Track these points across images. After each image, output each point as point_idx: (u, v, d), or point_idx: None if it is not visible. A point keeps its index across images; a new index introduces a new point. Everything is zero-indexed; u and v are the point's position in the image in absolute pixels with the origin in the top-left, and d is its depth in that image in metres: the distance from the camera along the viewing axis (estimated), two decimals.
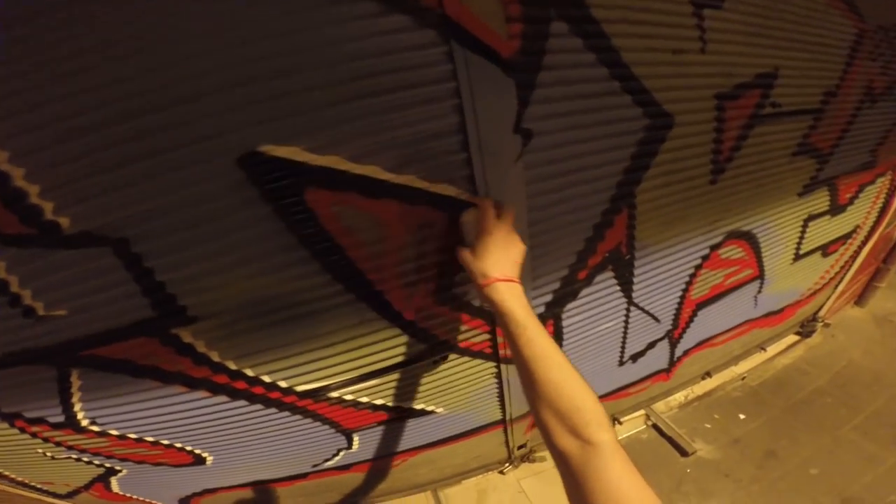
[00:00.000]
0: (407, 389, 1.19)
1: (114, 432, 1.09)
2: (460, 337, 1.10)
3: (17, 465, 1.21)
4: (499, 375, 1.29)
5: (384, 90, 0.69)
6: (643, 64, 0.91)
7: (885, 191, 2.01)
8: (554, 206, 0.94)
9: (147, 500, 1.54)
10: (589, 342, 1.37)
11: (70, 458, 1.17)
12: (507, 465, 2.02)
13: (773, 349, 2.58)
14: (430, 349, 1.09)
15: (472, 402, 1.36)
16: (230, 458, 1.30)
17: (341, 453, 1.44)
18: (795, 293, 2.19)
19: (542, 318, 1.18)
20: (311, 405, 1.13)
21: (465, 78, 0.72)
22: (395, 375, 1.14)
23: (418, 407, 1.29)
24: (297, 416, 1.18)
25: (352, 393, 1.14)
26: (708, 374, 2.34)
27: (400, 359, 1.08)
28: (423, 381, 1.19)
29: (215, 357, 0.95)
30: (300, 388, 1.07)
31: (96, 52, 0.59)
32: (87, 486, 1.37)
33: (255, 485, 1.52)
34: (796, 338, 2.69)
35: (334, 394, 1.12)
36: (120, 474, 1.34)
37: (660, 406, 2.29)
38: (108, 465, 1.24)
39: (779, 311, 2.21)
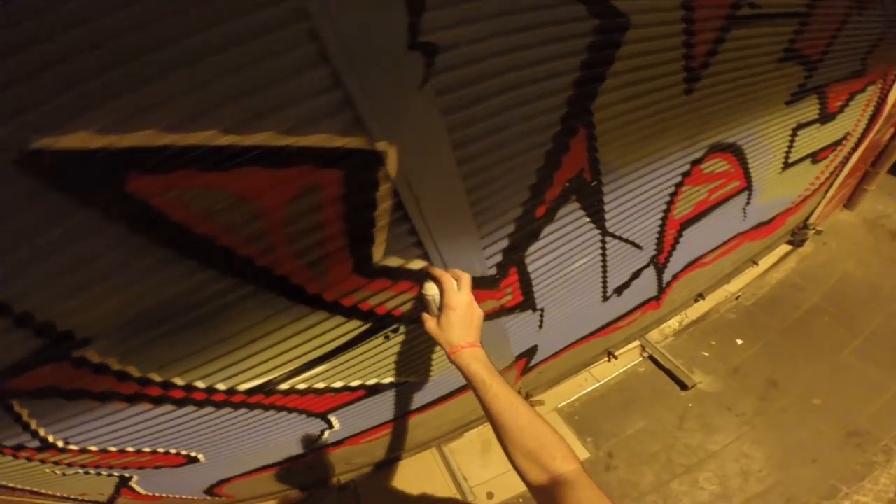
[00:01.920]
0: (364, 368, 1.03)
1: (93, 448, 0.96)
2: (407, 307, 0.91)
3: (43, 484, 1.14)
4: None
5: (199, 26, 0.44)
6: None
7: (875, 98, 1.75)
8: (488, 135, 0.71)
9: (177, 495, 1.45)
10: (564, 283, 1.19)
11: (78, 473, 1.05)
12: None
13: (764, 262, 2.40)
14: (374, 326, 0.90)
15: (446, 366, 1.20)
16: (220, 453, 1.18)
17: (326, 433, 1.31)
18: (786, 201, 1.97)
19: (501, 267, 0.97)
20: (264, 400, 0.99)
21: None
22: (346, 356, 0.96)
23: (387, 381, 1.13)
24: (257, 411, 1.04)
25: (303, 382, 0.97)
26: (701, 297, 2.18)
27: (341, 341, 0.90)
28: (380, 357, 1.02)
29: (135, 372, 0.80)
30: (242, 388, 0.90)
31: None
32: (117, 491, 1.28)
33: (263, 470, 1.41)
34: (788, 248, 2.50)
35: (283, 386, 0.95)
36: (133, 480, 1.23)
37: (654, 335, 2.15)
38: (115, 473, 1.13)
39: (769, 221, 2.01)
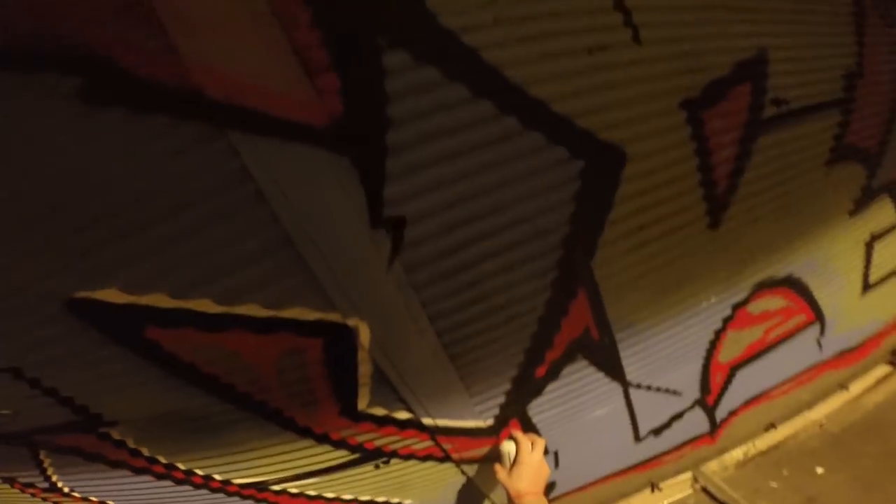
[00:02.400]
0: (356, 486, 0.99)
1: (94, 499, 1.06)
2: (395, 446, 0.85)
3: None
4: (463, 472, 1.00)
5: (169, 213, 0.49)
6: (545, 80, 0.59)
7: None
8: (469, 306, 0.67)
9: None
10: (580, 430, 1.04)
11: None
12: None
13: (857, 386, 1.95)
14: (362, 457, 0.85)
15: (447, 493, 1.08)
16: None
17: None
18: (876, 324, 1.61)
19: (500, 419, 0.88)
20: (257, 494, 0.96)
21: (264, 173, 0.50)
22: (338, 475, 0.91)
23: (379, 500, 1.05)
24: (250, 502, 0.99)
25: (295, 487, 0.94)
26: (772, 426, 1.80)
27: (330, 464, 0.86)
28: (373, 479, 0.96)
29: (146, 452, 0.88)
30: (237, 482, 0.90)
31: None
32: None
33: None
34: (889, 369, 2.02)
35: (276, 487, 0.92)
36: None
37: (712, 466, 1.79)
38: None
39: (856, 348, 1.64)
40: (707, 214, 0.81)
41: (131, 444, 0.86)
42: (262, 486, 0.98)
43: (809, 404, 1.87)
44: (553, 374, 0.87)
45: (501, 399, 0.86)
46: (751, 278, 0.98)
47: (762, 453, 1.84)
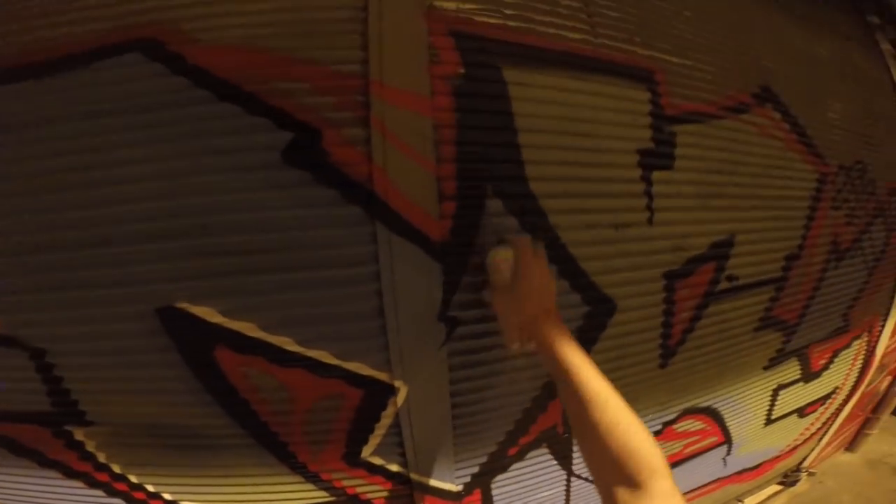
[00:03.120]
0: None
1: None
2: (374, 495, 1.03)
3: None
4: None
5: (303, 265, 0.71)
6: (582, 244, 0.88)
7: (862, 352, 1.90)
8: (479, 391, 0.91)
9: None
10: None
11: None
12: None
13: (749, 501, 2.35)
14: (339, 501, 1.01)
15: None
16: None
17: None
18: (773, 450, 2.02)
19: (468, 486, 1.09)
20: None
21: (387, 261, 0.73)
22: None
23: None
24: None
25: None
26: None
27: (304, 502, 1.00)
28: None
29: (102, 458, 0.94)
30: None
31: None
32: None
33: None
34: (778, 488, 2.45)
35: None
36: None
37: None
38: None
39: (754, 468, 2.03)
40: (660, 357, 1.12)
41: (90, 447, 0.92)
42: None
43: None
44: (521, 455, 1.11)
45: (476, 469, 1.08)
46: (681, 405, 1.30)
47: None
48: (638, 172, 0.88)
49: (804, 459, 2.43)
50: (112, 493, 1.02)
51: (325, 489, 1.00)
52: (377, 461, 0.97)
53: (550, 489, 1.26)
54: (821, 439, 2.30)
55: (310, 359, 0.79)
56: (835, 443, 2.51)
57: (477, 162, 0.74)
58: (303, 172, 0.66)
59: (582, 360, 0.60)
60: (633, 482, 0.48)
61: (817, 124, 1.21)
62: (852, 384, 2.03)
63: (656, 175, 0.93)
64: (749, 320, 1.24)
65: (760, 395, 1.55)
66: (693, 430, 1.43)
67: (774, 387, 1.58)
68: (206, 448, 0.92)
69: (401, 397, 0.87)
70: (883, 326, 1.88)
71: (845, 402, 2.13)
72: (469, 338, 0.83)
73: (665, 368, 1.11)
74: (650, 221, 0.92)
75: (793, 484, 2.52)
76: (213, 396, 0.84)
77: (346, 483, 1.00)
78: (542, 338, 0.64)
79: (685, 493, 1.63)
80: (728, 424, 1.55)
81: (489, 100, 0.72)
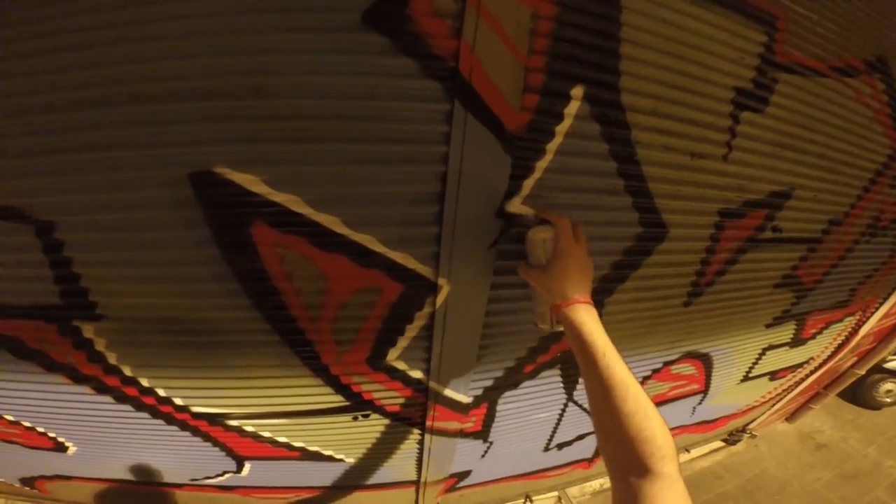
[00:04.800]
0: (317, 435, 1.20)
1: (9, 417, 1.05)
2: (388, 401, 1.10)
3: None
4: (421, 442, 1.30)
5: (366, 137, 0.68)
6: (655, 164, 0.90)
7: (849, 329, 2.17)
8: (515, 300, 0.95)
9: None
10: (519, 428, 1.42)
11: None
12: None
13: (695, 452, 2.78)
14: (352, 405, 1.08)
15: (388, 460, 1.37)
16: (97, 454, 1.25)
17: (227, 475, 1.41)
18: (733, 408, 2.35)
19: (478, 399, 1.19)
20: (204, 426, 1.11)
21: (458, 144, 0.71)
22: (309, 420, 1.12)
23: (326, 453, 1.29)
24: (187, 433, 1.16)
25: (253, 425, 1.11)
26: None
27: (316, 407, 1.07)
28: (338, 431, 1.19)
29: (112, 359, 0.94)
30: (196, 409, 1.04)
31: (64, 34, 0.59)
32: None
33: (117, 483, 1.45)
34: (721, 444, 2.90)
35: (233, 422, 1.09)
36: None
37: (574, 490, 2.41)
38: None
39: (712, 421, 2.38)
40: (687, 295, 1.23)
41: (100, 346, 0.91)
42: (216, 419, 1.11)
43: None
44: (535, 373, 1.22)
45: (490, 383, 1.17)
46: (686, 347, 1.46)
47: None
48: (729, 109, 0.88)
49: (751, 422, 2.84)
50: (122, 398, 1.03)
51: (344, 394, 1.05)
52: (400, 366, 1.02)
53: (549, 411, 1.41)
54: (773, 405, 2.68)
55: (355, 244, 0.78)
56: (782, 411, 2.95)
57: (570, 61, 0.71)
58: (382, 38, 0.60)
59: (608, 347, 0.65)
60: (644, 466, 0.54)
61: None
62: (826, 357, 2.34)
63: (745, 115, 0.95)
64: (774, 275, 1.35)
65: (752, 350, 1.76)
66: (685, 373, 1.63)
67: (766, 346, 1.79)
68: (224, 346, 0.93)
69: (440, 298, 0.90)
70: (878, 308, 2.14)
71: (811, 374, 2.47)
72: (518, 242, 0.85)
73: (687, 307, 1.21)
74: (725, 158, 0.94)
75: (734, 443, 2.99)
76: (240, 284, 0.81)
77: (364, 388, 1.05)
78: (572, 321, 0.68)
79: None
80: (713, 374, 1.77)
81: (599, 2, 0.67)
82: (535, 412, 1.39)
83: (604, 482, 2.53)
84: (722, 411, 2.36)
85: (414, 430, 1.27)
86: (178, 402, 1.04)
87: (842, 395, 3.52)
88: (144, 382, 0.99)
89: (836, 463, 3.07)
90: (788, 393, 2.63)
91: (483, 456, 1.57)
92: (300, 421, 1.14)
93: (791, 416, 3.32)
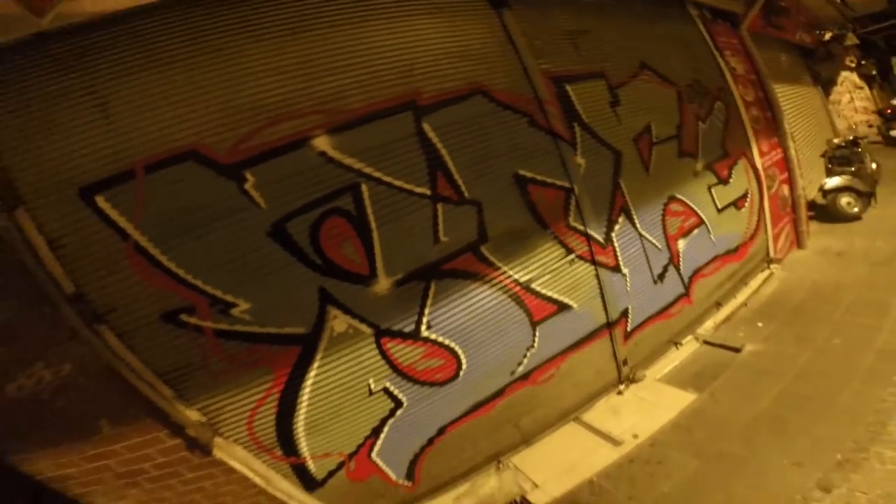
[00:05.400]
0: (555, 283, 2.87)
1: (433, 337, 2.59)
2: (580, 250, 2.86)
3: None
4: (598, 276, 2.97)
5: None
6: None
7: (748, 167, 4.20)
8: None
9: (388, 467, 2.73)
10: (633, 257, 3.21)
11: (398, 386, 2.55)
12: (620, 385, 3.36)
13: (753, 284, 4.32)
14: (566, 253, 2.84)
15: (588, 301, 2.98)
16: (476, 364, 2.72)
17: (528, 354, 2.88)
18: (738, 235, 4.13)
19: (606, 238, 2.95)
20: (523, 294, 2.75)
21: None
22: (550, 274, 2.82)
23: (563, 300, 2.90)
24: (519, 309, 2.76)
25: (538, 284, 2.79)
26: (719, 304, 4.00)
27: (551, 260, 2.79)
28: (563, 278, 2.88)
29: (499, 264, 2.66)
30: (519, 278, 2.71)
31: None
32: (353, 454, 2.57)
33: (464, 418, 2.82)
34: (766, 273, 4.43)
35: (534, 286, 2.76)
36: (397, 414, 2.61)
37: (700, 330, 3.82)
38: (398, 392, 2.57)
39: (735, 250, 4.09)
40: (644, 170, 3.28)
41: (494, 259, 2.64)
42: (525, 285, 2.79)
43: (733, 291, 4.12)
44: (615, 221, 3.05)
45: (605, 229, 2.99)
46: (665, 194, 3.42)
47: (722, 321, 3.99)
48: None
49: (769, 250, 4.48)
50: (502, 290, 2.72)
51: (562, 246, 2.81)
52: (579, 226, 2.86)
53: (636, 245, 3.17)
54: (766, 230, 4.41)
55: (544, 182, 2.74)
56: (783, 238, 4.65)
57: None
58: None
59: None
60: None
61: (668, 71, 3.58)
62: (756, 187, 4.28)
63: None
64: (672, 153, 3.54)
65: (701, 190, 3.75)
66: (678, 210, 3.50)
67: (707, 185, 3.76)
68: (526, 238, 2.74)
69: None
70: (751, 152, 4.24)
71: (761, 199, 4.35)
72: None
73: (648, 175, 3.18)
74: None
75: (770, 263, 4.52)
76: (526, 208, 2.71)
77: (568, 241, 2.85)
78: None
79: (706, 265, 3.67)
80: (695, 208, 3.66)
81: None
82: (631, 245, 3.14)
83: (714, 321, 3.93)
84: (734, 240, 4.13)
85: (589, 267, 2.95)
86: (523, 279, 2.71)
87: (822, 220, 5.29)
88: (513, 274, 2.70)
89: (861, 259, 4.36)
90: (763, 217, 4.38)
91: (628, 292, 3.18)
92: (547, 276, 2.82)
93: (798, 243, 4.91)
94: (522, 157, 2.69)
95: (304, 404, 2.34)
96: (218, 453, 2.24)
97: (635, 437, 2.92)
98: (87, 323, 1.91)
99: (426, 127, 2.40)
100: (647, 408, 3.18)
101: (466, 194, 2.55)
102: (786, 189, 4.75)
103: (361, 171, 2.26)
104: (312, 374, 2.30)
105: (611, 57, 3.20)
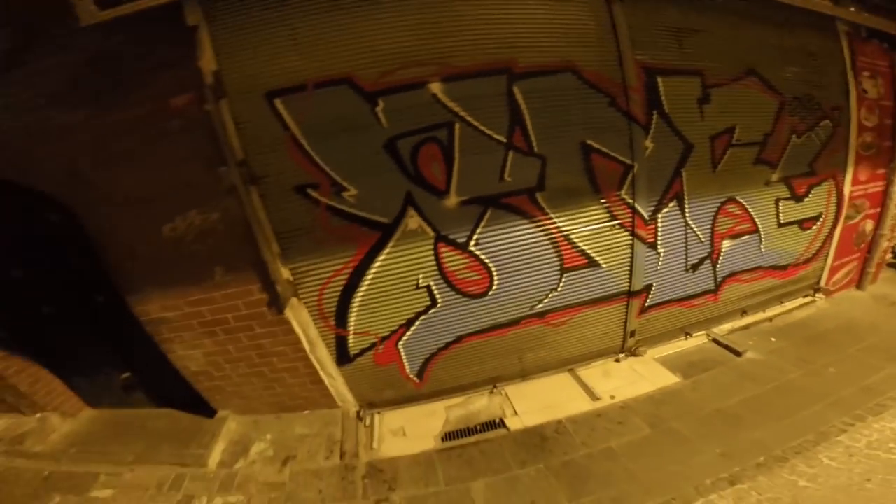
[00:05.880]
0: (592, 242, 3.52)
1: (478, 252, 3.39)
2: (623, 219, 3.46)
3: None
4: (632, 247, 3.53)
5: None
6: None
7: (833, 191, 4.44)
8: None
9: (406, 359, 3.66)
10: (672, 241, 3.78)
11: (438, 288, 3.38)
12: (620, 354, 3.99)
13: (788, 304, 4.65)
14: (609, 220, 3.47)
15: (617, 266, 3.61)
16: (504, 289, 3.47)
17: (550, 295, 3.59)
18: (792, 255, 4.48)
19: (651, 216, 3.49)
20: (561, 241, 3.45)
21: None
22: (593, 234, 3.45)
23: (596, 258, 3.57)
24: (553, 252, 3.46)
25: (575, 236, 3.46)
26: (744, 312, 4.44)
27: (596, 222, 3.46)
28: (603, 239, 3.52)
29: (548, 211, 3.34)
30: (565, 228, 3.41)
31: None
32: (385, 339, 3.49)
33: (480, 334, 3.63)
34: (807, 300, 4.69)
35: (574, 237, 3.45)
36: (430, 312, 3.47)
37: (714, 330, 4.30)
38: (437, 292, 3.41)
39: (783, 268, 4.46)
40: (712, 166, 3.69)
41: (543, 203, 3.31)
42: (565, 234, 3.48)
43: (763, 305, 4.45)
44: (666, 204, 3.50)
45: (653, 208, 3.55)
46: (726, 194, 3.82)
47: (740, 328, 4.44)
48: None
49: (820, 279, 4.65)
50: (538, 224, 3.45)
51: (607, 212, 3.39)
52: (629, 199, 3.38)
53: (678, 230, 3.61)
54: (826, 259, 4.56)
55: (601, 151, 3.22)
56: (843, 273, 4.81)
57: None
58: None
59: None
60: None
61: (778, 81, 3.83)
62: (833, 213, 4.51)
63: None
64: (749, 158, 3.92)
65: (767, 199, 4.12)
66: (735, 212, 3.88)
67: (774, 198, 4.04)
68: (570, 193, 3.32)
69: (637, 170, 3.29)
70: (844, 177, 4.45)
71: (833, 227, 4.54)
72: None
73: (715, 172, 3.55)
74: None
75: (817, 291, 4.74)
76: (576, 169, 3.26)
77: (611, 208, 3.41)
78: None
79: (746, 272, 4.13)
80: (753, 215, 4.00)
81: None
82: (673, 228, 3.63)
83: (732, 325, 4.43)
84: (785, 258, 4.46)
85: (627, 236, 3.51)
86: (564, 227, 3.40)
87: None
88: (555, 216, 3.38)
89: None
90: (829, 245, 4.53)
91: (657, 269, 3.68)
92: (588, 235, 3.46)
93: (860, 284, 5.03)
94: (594, 130, 3.24)
95: (367, 283, 3.26)
96: (288, 313, 3.15)
97: (612, 397, 3.66)
98: (244, 182, 2.82)
99: (515, 90, 3.01)
100: (634, 378, 3.90)
101: (536, 149, 3.19)
102: (869, 224, 4.83)
103: (458, 114, 2.97)
104: (381, 258, 3.20)
105: (715, 58, 3.48)
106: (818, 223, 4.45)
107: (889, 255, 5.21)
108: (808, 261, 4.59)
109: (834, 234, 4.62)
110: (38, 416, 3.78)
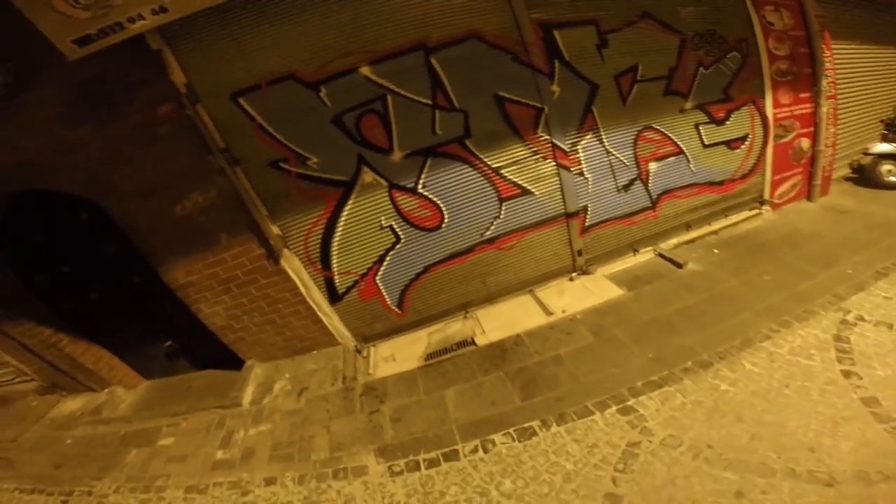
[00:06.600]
0: (521, 174, 4.35)
1: (426, 193, 4.28)
2: (544, 153, 4.30)
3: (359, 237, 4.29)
4: (558, 174, 4.34)
5: None
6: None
7: (756, 114, 5.04)
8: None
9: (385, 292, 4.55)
10: (597, 167, 4.56)
11: (399, 226, 4.27)
12: (573, 274, 4.74)
13: (735, 217, 5.28)
14: (530, 155, 4.31)
15: (549, 193, 4.40)
16: (455, 221, 4.31)
17: (494, 223, 4.40)
18: (726, 172, 5.15)
19: (572, 148, 4.28)
20: (493, 176, 4.31)
21: None
22: (517, 167, 4.30)
23: (528, 187, 4.42)
24: (489, 186, 4.32)
25: (507, 171, 4.32)
26: (689, 226, 5.10)
27: (518, 157, 4.30)
28: (528, 171, 4.33)
29: (477, 153, 4.20)
30: (492, 164, 4.26)
31: None
32: (364, 275, 4.41)
33: (443, 262, 4.46)
34: (753, 212, 5.31)
35: (503, 171, 4.30)
36: (397, 247, 4.36)
37: (662, 245, 5.00)
38: (399, 230, 4.31)
39: (720, 183, 5.13)
40: (621, 101, 4.44)
41: (475, 149, 4.17)
42: (496, 170, 4.33)
43: (708, 218, 5.09)
44: (584, 136, 4.23)
45: (573, 139, 4.31)
46: (641, 124, 4.55)
47: (685, 242, 5.13)
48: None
49: (763, 192, 5.24)
50: (475, 167, 4.28)
51: (526, 149, 4.15)
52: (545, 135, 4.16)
53: (600, 158, 4.40)
54: (763, 173, 5.16)
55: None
56: (789, 186, 5.39)
57: None
58: None
59: None
60: None
61: (675, 20, 4.43)
62: (762, 133, 5.11)
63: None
64: (657, 91, 4.60)
65: (685, 125, 4.81)
66: (654, 138, 4.58)
67: (694, 123, 4.76)
68: (499, 138, 4.13)
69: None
70: (764, 101, 5.01)
71: (764, 145, 5.12)
72: None
73: (625, 106, 4.30)
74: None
75: (762, 204, 5.32)
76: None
77: (532, 146, 4.22)
78: None
79: (681, 189, 4.91)
80: (675, 139, 4.65)
81: None
82: (597, 156, 4.38)
83: (678, 240, 5.11)
84: (719, 175, 5.12)
85: (552, 165, 4.34)
86: (493, 164, 4.25)
87: (860, 184, 5.72)
88: (490, 160, 4.25)
89: (860, 220, 4.90)
90: (763, 162, 5.12)
91: (588, 192, 4.42)
92: (514, 167, 4.31)
93: (809, 195, 5.54)
94: (505, 83, 4.03)
95: (340, 230, 4.19)
96: (283, 262, 4.04)
97: (564, 311, 4.41)
98: (229, 164, 3.64)
99: (433, 61, 3.83)
100: (584, 294, 4.65)
101: (457, 105, 4.03)
102: (805, 142, 5.28)
103: (388, 88, 3.84)
104: (347, 208, 4.13)
105: (608, 7, 4.17)
106: (746, 142, 5.02)
107: (833, 168, 5.49)
108: (744, 176, 5.17)
109: (766, 152, 5.17)
110: (107, 390, 4.97)
